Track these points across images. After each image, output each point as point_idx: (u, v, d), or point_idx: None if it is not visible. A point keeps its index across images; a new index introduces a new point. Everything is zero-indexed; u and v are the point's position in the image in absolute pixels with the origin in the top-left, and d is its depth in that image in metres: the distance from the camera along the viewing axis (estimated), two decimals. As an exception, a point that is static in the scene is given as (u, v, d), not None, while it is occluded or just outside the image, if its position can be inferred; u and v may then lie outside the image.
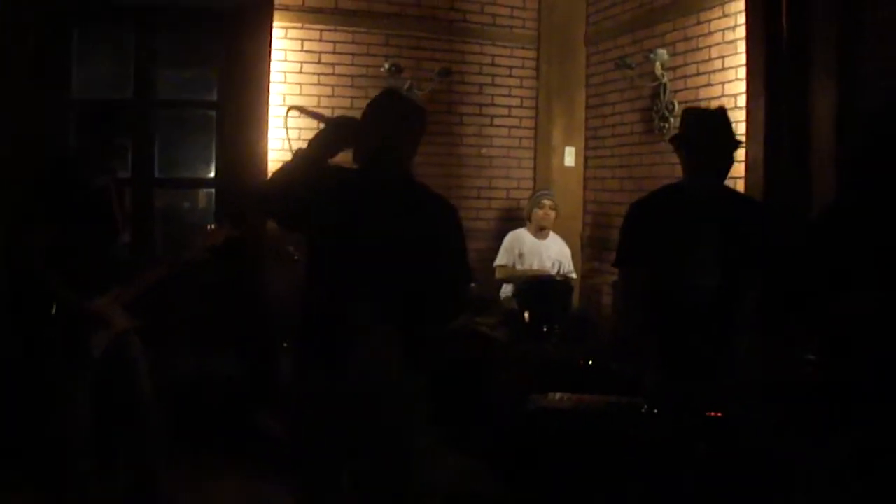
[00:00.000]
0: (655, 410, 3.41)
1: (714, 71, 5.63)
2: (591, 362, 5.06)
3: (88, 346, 4.05)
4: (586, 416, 3.57)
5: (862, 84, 4.57)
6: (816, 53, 4.77)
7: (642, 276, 3.78)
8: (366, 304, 3.21)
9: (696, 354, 3.55)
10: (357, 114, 6.42)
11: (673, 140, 3.84)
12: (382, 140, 3.29)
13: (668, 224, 3.73)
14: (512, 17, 7.38)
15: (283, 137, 3.30)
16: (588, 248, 7.28)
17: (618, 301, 4.45)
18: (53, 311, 3.97)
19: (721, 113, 3.88)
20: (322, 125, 3.37)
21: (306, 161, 3.30)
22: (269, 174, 3.37)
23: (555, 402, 3.67)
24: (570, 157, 7.33)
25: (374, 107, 3.41)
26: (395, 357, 3.26)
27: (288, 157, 3.40)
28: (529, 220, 6.80)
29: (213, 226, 4.54)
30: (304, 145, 3.37)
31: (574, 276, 6.77)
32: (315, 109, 3.38)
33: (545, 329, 5.53)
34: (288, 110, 3.36)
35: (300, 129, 3.54)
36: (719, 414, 3.33)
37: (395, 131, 3.33)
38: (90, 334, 4.06)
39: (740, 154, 5.18)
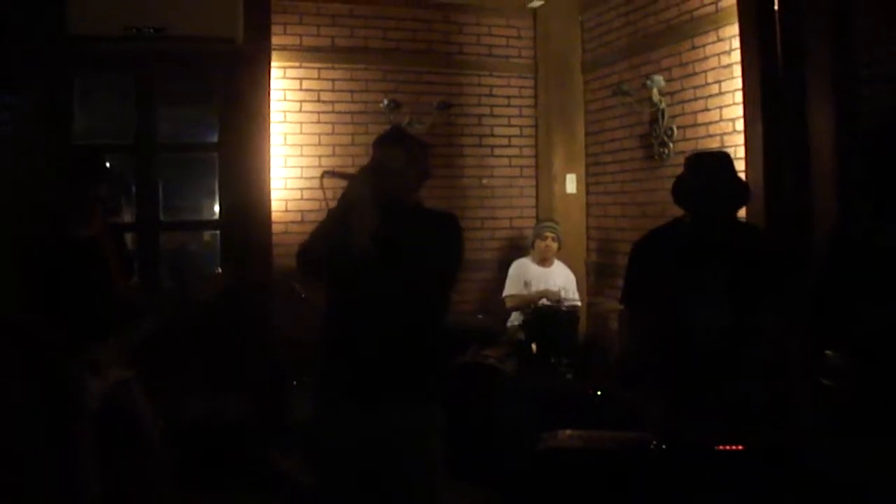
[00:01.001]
0: (664, 447, 3.40)
1: (711, 95, 5.65)
2: (599, 393, 5.06)
3: (85, 397, 4.04)
4: (596, 456, 3.55)
5: (859, 105, 4.58)
6: (812, 77, 4.78)
7: (648, 314, 3.78)
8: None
9: (705, 390, 3.55)
10: (357, 150, 6.64)
11: (675, 188, 3.87)
12: (389, 179, 3.38)
13: (673, 260, 3.73)
14: (508, 46, 7.44)
15: (320, 199, 3.40)
16: (593, 274, 7.28)
17: (624, 336, 4.44)
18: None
19: (723, 158, 3.91)
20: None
21: (335, 220, 3.37)
22: (308, 238, 3.46)
23: (565, 442, 3.66)
24: (571, 184, 7.35)
25: (376, 149, 3.52)
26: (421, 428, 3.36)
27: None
28: (532, 250, 6.82)
29: (218, 270, 4.55)
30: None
31: (579, 303, 6.78)
32: (343, 170, 3.46)
33: (553, 360, 5.53)
34: (322, 176, 3.39)
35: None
36: (735, 447, 3.32)
37: (398, 169, 3.43)
38: (86, 386, 4.05)
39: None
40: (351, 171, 3.46)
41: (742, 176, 5.14)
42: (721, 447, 3.36)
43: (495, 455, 5.09)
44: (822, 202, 4.73)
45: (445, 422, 3.46)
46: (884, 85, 4.44)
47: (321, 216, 6.22)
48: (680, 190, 3.88)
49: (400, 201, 3.44)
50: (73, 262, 4.11)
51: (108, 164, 4.34)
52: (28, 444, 4.03)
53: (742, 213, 5.12)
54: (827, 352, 3.55)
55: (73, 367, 4.00)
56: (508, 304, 6.71)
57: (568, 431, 3.75)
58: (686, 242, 3.79)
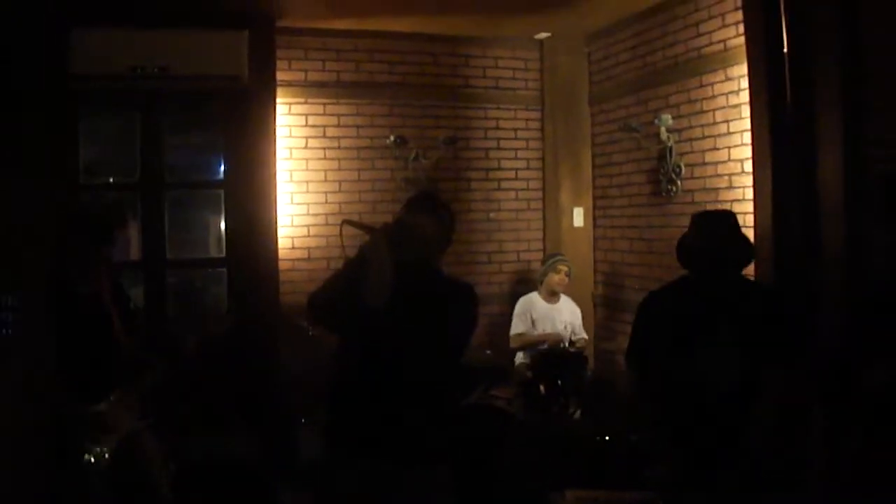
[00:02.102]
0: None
1: (720, 135, 5.61)
2: (607, 438, 5.02)
3: (95, 452, 4.03)
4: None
5: (868, 149, 4.53)
6: (821, 118, 4.73)
7: (654, 377, 3.76)
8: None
9: (712, 451, 3.52)
10: (363, 185, 6.61)
11: (678, 247, 3.85)
12: (415, 244, 3.37)
13: (679, 321, 3.70)
14: (514, 78, 7.41)
15: (338, 245, 3.40)
16: (601, 307, 7.25)
17: (630, 400, 4.42)
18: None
19: (727, 218, 3.88)
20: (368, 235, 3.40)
21: (352, 272, 3.34)
22: (322, 285, 3.45)
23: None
24: (578, 217, 7.32)
25: (408, 209, 3.51)
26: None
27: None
28: (542, 284, 6.78)
29: (218, 315, 4.55)
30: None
31: (585, 337, 6.76)
32: (363, 222, 3.45)
33: (561, 401, 5.49)
34: (342, 225, 3.42)
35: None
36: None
37: (427, 232, 3.41)
38: (96, 438, 4.04)
39: (749, 220, 5.20)
40: (373, 224, 3.45)
41: (751, 221, 5.15)
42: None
43: (505, 497, 5.06)
44: (831, 245, 4.70)
45: (451, 478, 3.45)
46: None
47: (328, 252, 6.29)
48: (683, 250, 3.86)
49: (421, 264, 3.42)
50: (76, 319, 4.11)
51: (115, 224, 4.35)
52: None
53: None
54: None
55: (82, 424, 4.01)
56: (514, 343, 6.68)
57: (575, 493, 3.71)
58: (691, 302, 3.76)
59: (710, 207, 5.66)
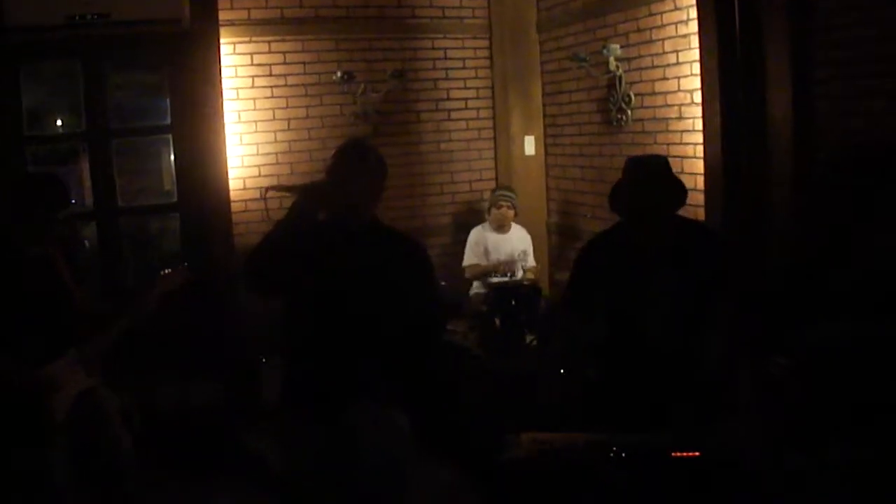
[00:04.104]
0: (624, 454, 3.45)
1: (669, 65, 5.59)
2: (562, 371, 5.09)
3: (49, 412, 4.03)
4: (557, 466, 3.60)
5: (816, 86, 4.57)
6: (770, 53, 4.76)
7: (589, 320, 3.85)
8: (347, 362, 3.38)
9: (657, 397, 3.62)
10: (312, 122, 6.57)
11: (611, 193, 3.90)
12: (345, 195, 3.39)
13: (617, 265, 3.78)
14: (461, 7, 7.29)
15: (262, 209, 3.41)
16: (555, 234, 7.30)
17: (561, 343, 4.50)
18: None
19: (656, 163, 3.93)
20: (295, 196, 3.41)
21: (284, 232, 3.37)
22: (253, 249, 3.45)
23: (526, 450, 3.69)
24: (529, 145, 7.31)
25: (336, 161, 3.51)
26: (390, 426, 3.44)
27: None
28: (488, 216, 6.82)
29: (167, 270, 4.52)
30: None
31: (535, 265, 6.84)
32: (287, 184, 3.50)
33: (517, 337, 5.57)
34: (266, 192, 3.42)
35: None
36: (692, 454, 3.37)
37: (357, 184, 3.44)
38: (49, 399, 4.04)
39: (699, 151, 5.25)
40: (297, 182, 3.46)
41: (700, 153, 5.19)
42: (677, 454, 3.40)
43: (463, 438, 5.16)
44: (779, 180, 4.76)
45: (406, 421, 3.57)
46: (843, 67, 4.42)
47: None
48: (614, 196, 3.92)
49: (355, 216, 3.46)
50: (26, 280, 4.08)
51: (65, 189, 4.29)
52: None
53: (700, 185, 5.22)
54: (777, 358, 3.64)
55: (30, 387, 4.00)
56: (467, 273, 6.76)
57: (530, 435, 3.78)
58: (627, 246, 3.83)
59: (660, 137, 5.71)
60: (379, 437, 3.45)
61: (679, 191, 3.96)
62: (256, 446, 5.55)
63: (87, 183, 6.19)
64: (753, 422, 3.62)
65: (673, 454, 3.42)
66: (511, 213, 6.73)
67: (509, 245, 6.75)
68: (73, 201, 5.66)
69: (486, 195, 7.14)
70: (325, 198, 3.39)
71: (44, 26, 5.60)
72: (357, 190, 3.42)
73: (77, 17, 5.61)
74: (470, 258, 6.76)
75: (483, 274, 6.65)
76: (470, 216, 7.29)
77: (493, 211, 6.74)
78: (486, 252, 6.73)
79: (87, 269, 4.77)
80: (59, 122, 6.40)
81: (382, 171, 3.56)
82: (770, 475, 3.24)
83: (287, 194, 3.47)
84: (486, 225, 6.84)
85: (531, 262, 6.79)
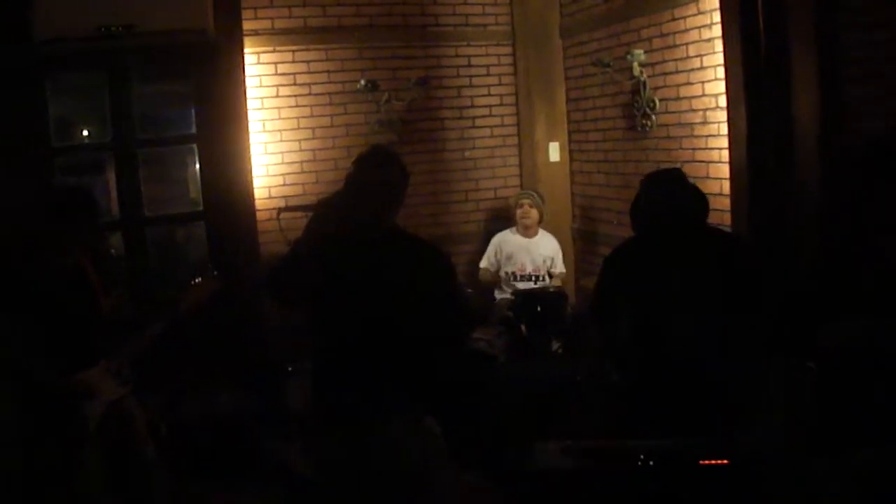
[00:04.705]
0: (651, 463, 3.43)
1: (693, 69, 5.57)
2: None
3: (83, 420, 4.07)
4: (584, 473, 3.58)
5: (843, 87, 4.53)
6: (795, 56, 4.71)
7: (617, 327, 3.84)
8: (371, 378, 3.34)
9: (685, 404, 3.60)
10: (337, 131, 6.58)
11: (633, 206, 3.89)
12: (364, 203, 3.38)
13: (644, 274, 3.76)
14: (484, 14, 7.30)
15: (278, 230, 3.41)
16: (580, 241, 7.28)
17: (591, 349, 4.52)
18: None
19: (675, 176, 3.91)
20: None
21: (303, 249, 3.39)
22: (275, 265, 3.48)
23: (555, 459, 3.67)
24: (554, 152, 7.30)
25: (356, 169, 3.48)
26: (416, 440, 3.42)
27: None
28: (514, 220, 6.81)
29: (198, 280, 4.55)
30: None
31: (563, 271, 6.81)
32: (299, 204, 3.46)
33: (543, 343, 5.55)
34: (279, 213, 3.45)
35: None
36: (721, 461, 3.35)
37: (376, 192, 3.41)
38: (81, 408, 4.07)
39: (724, 156, 5.21)
40: (310, 201, 3.46)
41: (727, 157, 5.16)
42: (705, 462, 3.38)
43: (490, 446, 5.14)
44: (806, 182, 4.71)
45: (440, 430, 3.56)
46: (870, 67, 4.38)
47: (305, 200, 6.28)
48: (634, 212, 3.92)
49: (375, 224, 3.42)
50: (57, 289, 4.12)
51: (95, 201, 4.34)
52: (35, 472, 4.07)
53: (727, 189, 5.18)
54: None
55: (67, 394, 4.04)
56: (481, 276, 6.78)
57: (559, 442, 3.76)
58: (654, 254, 3.82)
59: (685, 143, 5.69)
60: (407, 445, 3.43)
61: (698, 201, 3.95)
62: (283, 454, 5.56)
63: (114, 193, 6.22)
64: (778, 427, 3.60)
65: (701, 462, 3.41)
66: (534, 211, 6.70)
67: (535, 249, 6.73)
68: (101, 212, 5.70)
69: (510, 202, 7.13)
70: (339, 212, 3.37)
71: (70, 38, 5.62)
72: (376, 198, 3.39)
73: (103, 29, 5.63)
74: (484, 261, 6.80)
75: (494, 279, 6.65)
76: (495, 223, 7.27)
77: (517, 212, 6.74)
78: (508, 257, 6.72)
79: (116, 279, 4.80)
80: (85, 133, 6.44)
81: (403, 178, 3.51)
82: (794, 481, 3.23)
83: (301, 214, 3.48)
84: (513, 230, 6.82)
85: (559, 268, 6.76)
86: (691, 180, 4.31)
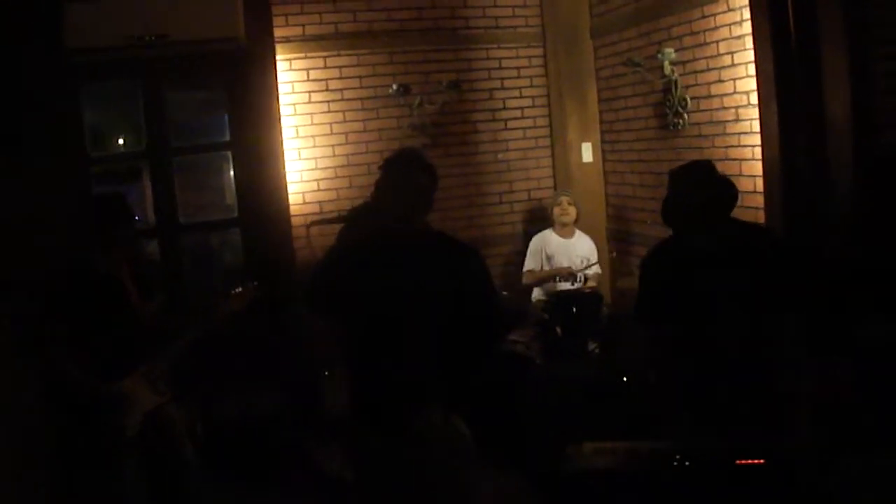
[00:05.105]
0: (687, 463, 3.41)
1: (724, 67, 5.53)
2: (625, 379, 5.08)
3: (122, 427, 4.12)
4: (621, 477, 3.58)
5: (874, 82, 4.48)
6: (826, 51, 4.67)
7: (662, 329, 3.81)
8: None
9: (726, 402, 3.57)
10: (370, 136, 6.61)
11: (664, 204, 3.86)
12: (394, 206, 3.41)
13: (682, 272, 3.73)
14: (514, 16, 7.31)
15: (308, 245, 3.45)
16: (614, 241, 7.25)
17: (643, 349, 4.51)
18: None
19: (703, 168, 3.88)
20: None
21: (336, 258, 3.46)
22: (310, 275, 3.51)
23: (589, 459, 3.67)
24: (587, 152, 7.29)
25: (384, 173, 3.51)
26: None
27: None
28: (552, 220, 6.79)
29: (238, 290, 4.60)
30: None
31: (599, 271, 6.79)
32: (331, 216, 3.50)
33: (579, 344, 5.54)
34: (308, 227, 3.53)
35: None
36: (757, 461, 3.33)
37: (405, 195, 3.44)
38: (122, 416, 4.12)
39: (757, 153, 5.18)
40: (340, 213, 3.49)
41: (759, 154, 5.11)
42: (742, 462, 3.36)
43: (526, 448, 5.14)
44: (839, 178, 4.67)
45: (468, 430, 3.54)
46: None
47: (338, 206, 6.32)
48: (664, 208, 3.89)
49: (406, 226, 3.44)
50: (94, 297, 4.17)
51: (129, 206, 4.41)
52: (76, 477, 4.13)
53: (759, 187, 5.15)
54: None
55: (108, 401, 4.10)
56: (526, 280, 6.75)
57: (593, 445, 3.76)
58: (687, 254, 3.79)
59: (718, 141, 5.65)
60: (442, 446, 3.44)
61: (727, 191, 3.92)
62: (319, 456, 5.60)
63: (150, 200, 6.30)
64: (815, 426, 3.57)
65: (738, 462, 3.39)
66: (572, 209, 6.71)
67: (574, 250, 6.72)
68: (137, 218, 5.78)
69: (547, 203, 7.12)
70: (369, 217, 3.41)
71: (104, 48, 5.71)
72: (406, 200, 3.42)
73: (136, 39, 5.72)
74: (528, 264, 6.76)
75: (541, 281, 6.63)
76: (529, 225, 7.29)
77: (555, 210, 6.73)
78: (548, 258, 6.71)
79: (153, 286, 4.85)
80: (121, 141, 6.54)
81: (431, 179, 3.52)
82: (831, 481, 3.21)
83: (331, 228, 3.52)
84: (549, 231, 6.82)
85: (596, 269, 6.75)
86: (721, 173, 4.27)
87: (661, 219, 4.03)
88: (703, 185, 3.84)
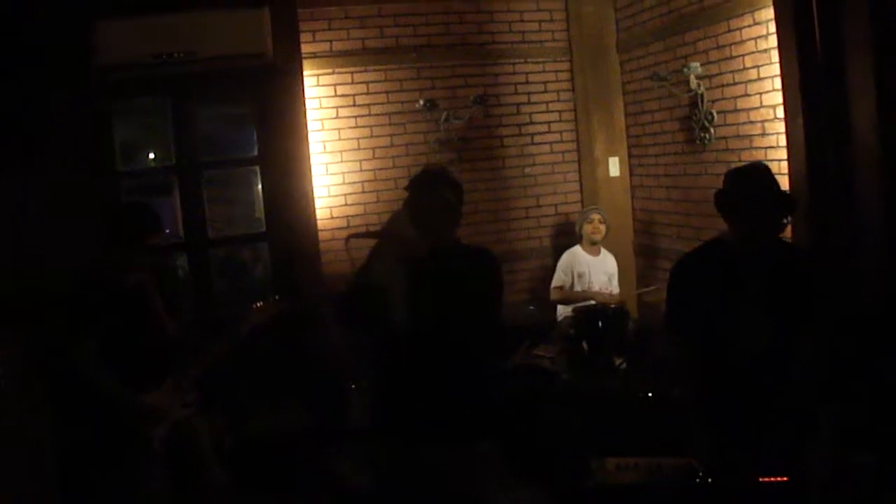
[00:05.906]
0: (710, 479, 3.39)
1: (750, 81, 5.52)
2: (650, 395, 5.05)
3: (149, 439, 4.15)
4: (643, 491, 3.56)
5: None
6: (852, 64, 4.64)
7: (691, 341, 3.75)
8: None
9: (751, 419, 3.54)
10: (397, 150, 6.64)
11: (716, 198, 3.77)
12: (424, 225, 3.41)
13: (714, 285, 3.67)
14: (540, 31, 7.34)
15: (347, 259, 3.43)
16: (641, 256, 7.23)
17: (668, 362, 4.46)
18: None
19: (763, 170, 3.80)
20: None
21: (369, 277, 3.41)
22: (345, 294, 3.51)
23: (613, 475, 3.66)
24: (614, 167, 7.28)
25: (411, 193, 3.54)
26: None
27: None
28: (581, 236, 6.78)
29: (260, 304, 4.62)
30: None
31: (619, 291, 6.73)
32: (368, 230, 3.50)
33: (605, 360, 5.52)
34: (347, 240, 3.42)
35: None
36: (780, 479, 3.30)
37: (433, 213, 3.47)
38: (148, 428, 4.15)
39: (784, 167, 5.14)
40: (376, 228, 3.49)
41: (786, 168, 5.09)
42: (765, 479, 3.34)
43: (550, 463, 5.12)
44: (866, 194, 4.63)
45: (496, 451, 3.54)
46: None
47: (366, 220, 6.34)
48: (725, 203, 3.76)
49: (436, 243, 3.45)
50: (120, 308, 4.20)
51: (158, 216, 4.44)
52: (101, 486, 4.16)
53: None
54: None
55: (135, 414, 4.12)
56: (553, 296, 6.72)
57: (616, 460, 3.75)
58: (726, 264, 3.73)
59: (744, 155, 5.63)
60: (467, 462, 3.44)
61: (789, 198, 3.87)
62: (345, 470, 5.61)
63: (180, 214, 6.35)
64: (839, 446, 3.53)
65: (761, 479, 3.37)
66: (603, 227, 6.70)
67: (601, 267, 6.72)
68: (168, 230, 5.83)
69: (573, 218, 7.12)
70: (401, 237, 3.39)
71: (134, 64, 5.78)
72: (434, 220, 3.45)
73: (165, 56, 5.78)
74: (557, 280, 6.73)
75: (571, 300, 6.58)
76: (556, 239, 7.30)
77: (586, 227, 6.71)
78: (579, 275, 6.68)
79: (181, 299, 4.89)
80: (151, 156, 6.61)
81: (456, 195, 3.54)
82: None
83: (370, 239, 3.53)
84: (579, 247, 6.79)
85: (615, 288, 6.73)
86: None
87: (720, 212, 3.88)
88: (771, 182, 3.74)
